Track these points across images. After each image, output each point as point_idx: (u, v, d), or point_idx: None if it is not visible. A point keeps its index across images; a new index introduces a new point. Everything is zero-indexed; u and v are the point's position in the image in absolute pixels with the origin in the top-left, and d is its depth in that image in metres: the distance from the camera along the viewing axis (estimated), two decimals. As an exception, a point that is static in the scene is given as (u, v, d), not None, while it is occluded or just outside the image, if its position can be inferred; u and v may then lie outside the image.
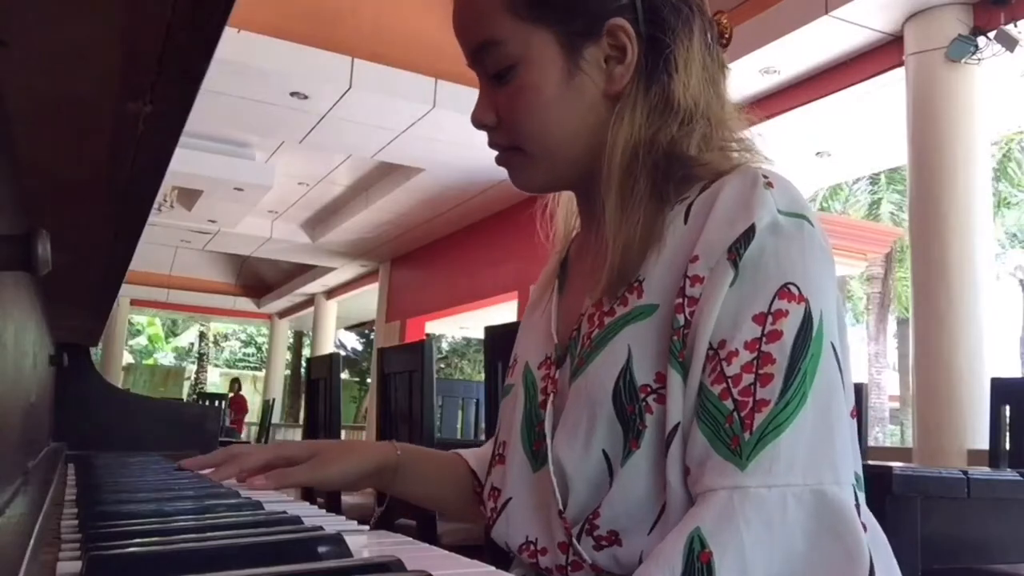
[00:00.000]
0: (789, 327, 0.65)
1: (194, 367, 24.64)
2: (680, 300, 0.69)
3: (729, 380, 0.65)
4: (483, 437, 3.16)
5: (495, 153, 0.84)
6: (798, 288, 0.66)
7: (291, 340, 19.74)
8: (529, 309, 0.95)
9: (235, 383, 13.37)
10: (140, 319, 23.06)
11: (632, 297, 0.74)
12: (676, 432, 0.67)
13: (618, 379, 0.71)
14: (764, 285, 0.66)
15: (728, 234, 0.68)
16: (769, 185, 0.69)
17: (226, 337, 26.43)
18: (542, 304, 0.90)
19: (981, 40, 4.04)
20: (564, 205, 0.94)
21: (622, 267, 0.74)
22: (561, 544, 0.75)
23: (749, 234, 0.67)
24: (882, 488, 1.24)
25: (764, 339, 0.65)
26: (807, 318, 0.65)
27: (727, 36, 0.83)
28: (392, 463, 0.95)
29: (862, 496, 0.68)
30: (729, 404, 0.64)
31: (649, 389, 0.70)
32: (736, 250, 0.67)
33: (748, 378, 0.64)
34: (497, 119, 0.81)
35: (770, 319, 0.65)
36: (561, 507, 0.74)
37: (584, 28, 0.76)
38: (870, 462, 1.25)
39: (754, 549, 0.60)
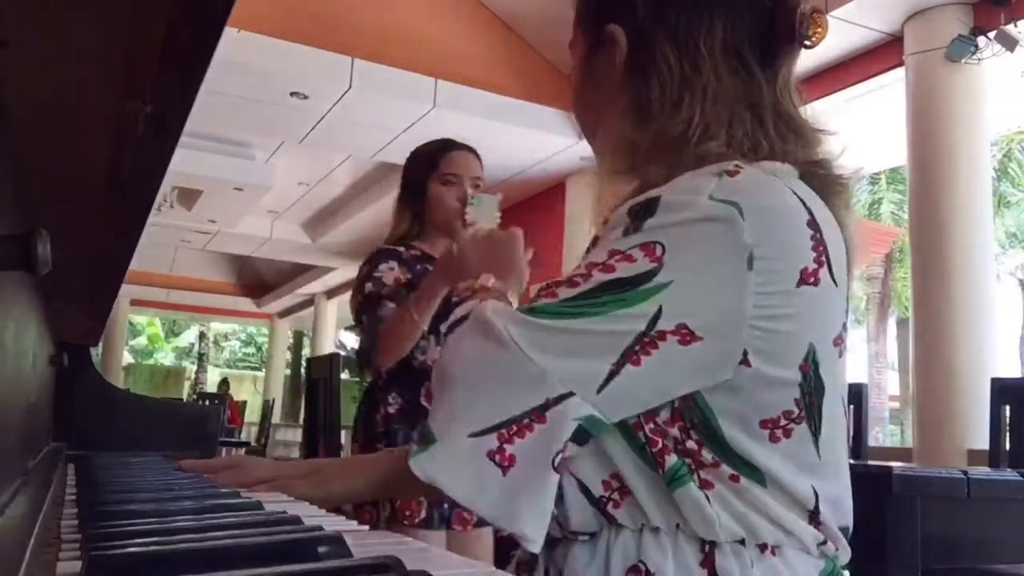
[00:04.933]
0: (625, 270, 0.65)
1: (194, 367, 24.63)
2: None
3: (555, 278, 0.69)
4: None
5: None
6: (663, 250, 0.65)
7: (291, 340, 19.73)
8: None
9: (223, 384, 13.43)
10: (140, 319, 23.04)
11: None
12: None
13: None
14: (636, 236, 0.67)
15: (637, 201, 0.69)
16: (729, 174, 0.68)
17: (226, 337, 26.42)
18: None
19: (981, 40, 4.04)
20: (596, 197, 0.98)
21: None
22: None
23: (652, 203, 0.68)
24: (882, 488, 1.24)
25: (600, 266, 0.66)
26: (646, 276, 0.65)
27: (813, 36, 0.80)
28: (402, 472, 0.94)
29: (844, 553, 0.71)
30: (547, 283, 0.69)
31: None
32: (635, 212, 0.68)
33: (561, 279, 0.68)
34: None
35: (617, 256, 0.66)
36: None
37: (595, 34, 0.84)
38: (870, 462, 1.25)
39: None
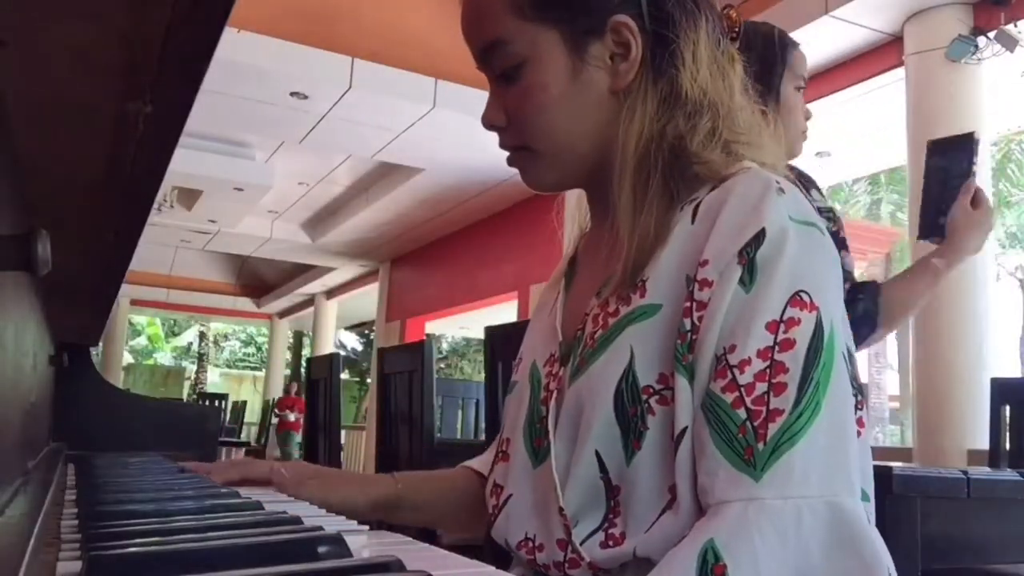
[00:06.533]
0: (802, 336, 0.64)
1: (194, 367, 24.63)
2: (688, 304, 0.69)
3: (742, 389, 0.64)
4: (483, 437, 3.16)
5: (493, 153, 0.85)
6: (809, 296, 0.66)
7: (291, 340, 19.73)
8: (538, 308, 0.95)
9: (292, 383, 12.67)
10: (140, 319, 23.04)
11: (635, 297, 0.73)
12: (684, 435, 0.67)
13: (620, 381, 0.71)
14: (776, 292, 0.66)
15: (738, 238, 0.67)
16: (781, 191, 0.69)
17: (226, 337, 26.41)
18: (550, 302, 0.90)
19: (981, 40, 4.04)
20: (577, 203, 0.93)
21: (637, 263, 0.73)
22: (560, 541, 0.75)
23: (759, 238, 0.67)
24: (882, 488, 1.24)
25: (777, 347, 0.64)
26: (819, 327, 0.65)
27: (737, 30, 0.84)
28: (393, 497, 0.95)
29: (872, 509, 0.68)
30: (742, 413, 0.63)
31: (652, 390, 0.70)
32: (746, 253, 0.67)
33: (761, 387, 0.64)
34: (506, 119, 0.82)
35: (782, 327, 0.65)
36: (562, 504, 0.74)
37: (588, 26, 0.77)
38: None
39: (769, 562, 0.59)
